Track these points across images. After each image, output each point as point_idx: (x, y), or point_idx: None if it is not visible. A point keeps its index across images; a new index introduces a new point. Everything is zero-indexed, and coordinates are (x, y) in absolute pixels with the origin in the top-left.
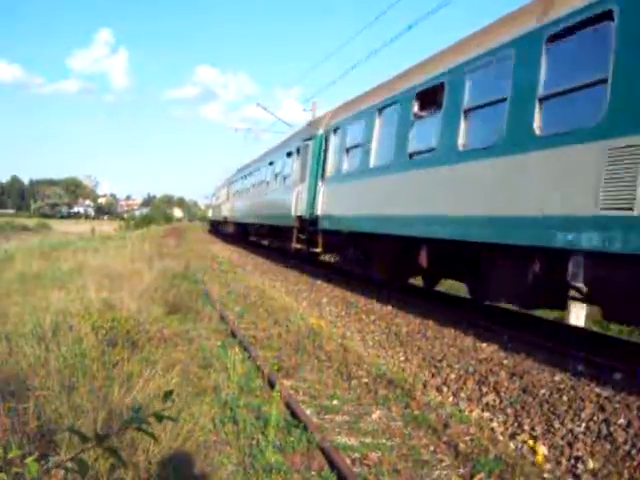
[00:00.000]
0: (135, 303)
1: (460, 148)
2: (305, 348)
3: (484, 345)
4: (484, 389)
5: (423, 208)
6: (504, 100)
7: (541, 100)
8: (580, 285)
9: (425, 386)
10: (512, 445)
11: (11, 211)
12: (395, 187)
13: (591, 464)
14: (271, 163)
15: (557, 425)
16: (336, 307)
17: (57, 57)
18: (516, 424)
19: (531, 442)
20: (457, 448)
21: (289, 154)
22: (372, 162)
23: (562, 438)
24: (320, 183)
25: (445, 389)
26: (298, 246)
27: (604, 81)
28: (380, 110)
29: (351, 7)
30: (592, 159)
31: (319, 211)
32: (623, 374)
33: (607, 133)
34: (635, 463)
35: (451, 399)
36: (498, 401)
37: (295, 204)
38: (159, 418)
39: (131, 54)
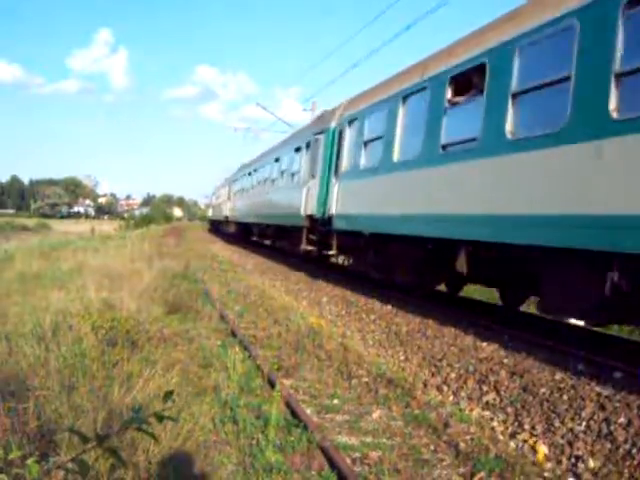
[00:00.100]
0: (135, 303)
1: (509, 136)
2: (305, 347)
3: (484, 344)
4: (484, 388)
5: (463, 206)
6: (567, 79)
7: (619, 77)
8: None
9: (425, 385)
10: (512, 444)
11: (11, 211)
12: (425, 183)
13: (591, 463)
14: (277, 159)
15: (557, 424)
16: (336, 306)
17: (57, 57)
18: (516, 423)
19: (531, 441)
20: (457, 447)
21: (297, 149)
22: (396, 156)
23: (562, 437)
24: (334, 180)
25: (445, 388)
26: (308, 248)
27: None
28: (405, 98)
29: (351, 7)
30: None
31: (333, 210)
32: (623, 373)
33: None
34: (635, 462)
35: (451, 398)
36: (498, 400)
37: (305, 203)
38: (159, 418)
39: (131, 54)
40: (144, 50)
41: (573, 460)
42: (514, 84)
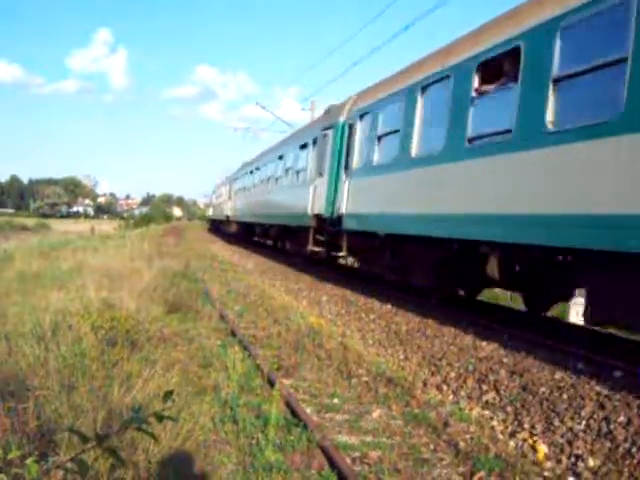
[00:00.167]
0: (135, 302)
1: (549, 127)
2: (305, 347)
3: (484, 343)
4: (484, 387)
5: (496, 205)
6: (622, 61)
7: None
8: None
9: (425, 384)
10: (512, 443)
11: (10, 211)
12: (448, 180)
13: (591, 462)
14: (281, 157)
15: (557, 423)
16: (336, 306)
17: (56, 57)
18: (516, 422)
19: (531, 440)
20: (457, 446)
21: (303, 146)
22: (414, 151)
23: (562, 436)
24: (344, 177)
25: (445, 387)
26: (315, 249)
27: None
28: (424, 88)
29: (350, 6)
30: None
31: (343, 209)
32: (623, 372)
33: None
34: (635, 461)
35: (451, 397)
36: (498, 399)
37: (312, 201)
38: (159, 418)
39: (130, 54)
40: (144, 50)
41: (573, 459)
42: (556, 69)
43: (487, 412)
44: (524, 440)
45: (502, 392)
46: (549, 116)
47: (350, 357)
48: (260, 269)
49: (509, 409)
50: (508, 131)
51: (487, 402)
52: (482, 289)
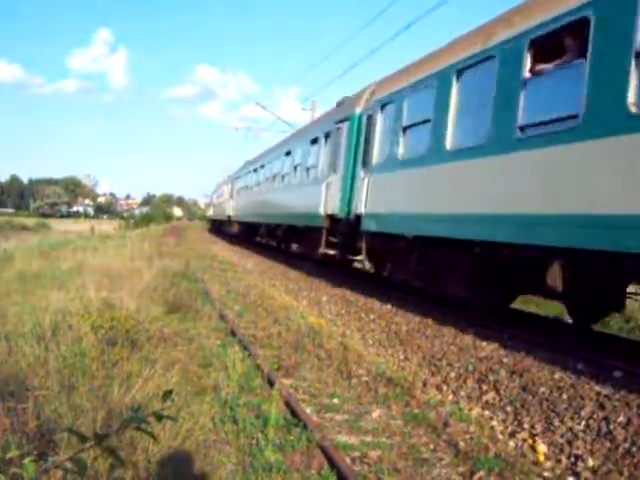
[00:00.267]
0: (135, 302)
1: (632, 110)
2: (305, 347)
3: (484, 343)
4: (484, 387)
5: (557, 204)
6: None
7: None
8: None
9: (425, 384)
10: (512, 443)
11: (10, 210)
12: (495, 175)
13: (591, 462)
14: (288, 153)
15: (557, 423)
16: (336, 306)
17: (57, 57)
18: (516, 422)
19: (531, 440)
20: (457, 446)
21: (314, 141)
22: (449, 142)
23: (562, 436)
24: (362, 173)
25: (445, 387)
26: (329, 252)
27: None
28: (460, 72)
29: (350, 6)
30: None
31: (361, 209)
32: (623, 372)
33: None
34: (635, 461)
35: (451, 397)
36: (498, 399)
37: (324, 200)
38: (158, 418)
39: (130, 53)
40: (144, 50)
41: (572, 459)
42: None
43: (487, 412)
44: (524, 440)
45: (502, 392)
46: (631, 97)
47: (350, 357)
48: (260, 269)
49: (509, 409)
50: (574, 116)
51: (487, 402)
52: (516, 296)
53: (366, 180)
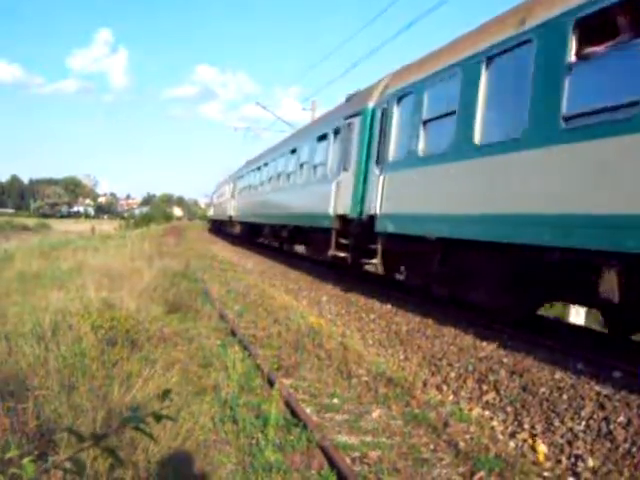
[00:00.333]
0: (135, 302)
1: None
2: (305, 347)
3: (484, 344)
4: (484, 387)
5: (622, 204)
6: None
7: None
8: None
9: (425, 385)
10: (512, 443)
11: (11, 210)
12: (537, 171)
13: (591, 462)
14: (294, 151)
15: (557, 423)
16: (336, 306)
17: (57, 57)
18: (516, 422)
19: (531, 440)
20: (457, 446)
21: (322, 137)
22: (478, 136)
23: (562, 436)
24: (376, 171)
25: (445, 388)
26: (339, 254)
27: None
28: (490, 59)
29: (350, 6)
30: None
31: (376, 209)
32: (623, 372)
33: None
34: (635, 461)
35: (451, 397)
36: (498, 399)
37: (334, 200)
38: (157, 418)
39: (130, 53)
40: (144, 50)
41: (573, 459)
42: None
43: (487, 412)
44: (524, 440)
45: (502, 392)
46: None
47: (350, 357)
48: (260, 269)
49: (509, 409)
50: (634, 103)
51: (487, 402)
52: (542, 303)
53: (381, 178)
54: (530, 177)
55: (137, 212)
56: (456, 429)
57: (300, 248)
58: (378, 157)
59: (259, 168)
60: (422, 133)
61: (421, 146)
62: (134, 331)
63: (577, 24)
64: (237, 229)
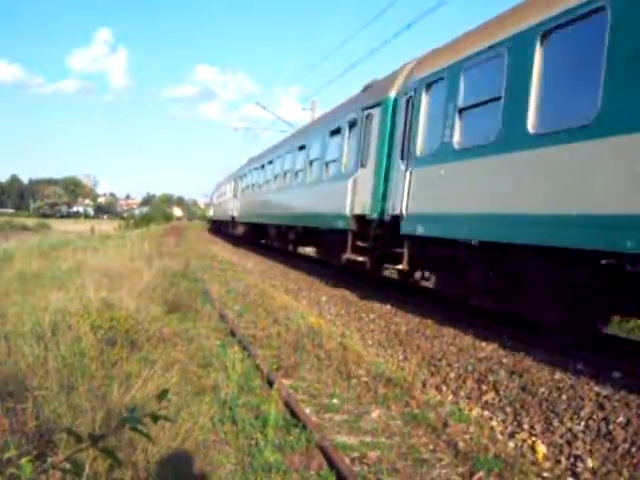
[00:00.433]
0: (134, 302)
1: None
2: (304, 347)
3: (483, 344)
4: (483, 388)
5: None
6: None
7: None
8: None
9: (424, 385)
10: (511, 444)
11: (10, 210)
12: (624, 162)
13: (590, 463)
14: (302, 147)
15: (556, 424)
16: (335, 306)
17: (57, 57)
18: (515, 423)
19: (530, 441)
20: (456, 447)
21: (335, 132)
22: (531, 123)
23: (561, 437)
24: (401, 166)
25: (444, 388)
26: (356, 258)
27: None
28: (547, 34)
29: (350, 6)
30: None
31: (401, 208)
32: (622, 373)
33: None
34: (634, 461)
35: (450, 398)
36: (497, 400)
37: (350, 199)
38: (154, 418)
39: (130, 53)
40: (144, 50)
41: (572, 460)
42: None
43: (486, 412)
44: (523, 440)
45: (501, 392)
46: None
47: (349, 357)
48: (260, 269)
49: (508, 409)
50: None
51: (486, 402)
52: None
53: (407, 174)
54: (611, 170)
55: (137, 212)
56: (455, 429)
57: (304, 249)
58: (403, 151)
59: (263, 166)
60: (458, 123)
61: (457, 138)
62: (133, 331)
63: None
64: (240, 230)
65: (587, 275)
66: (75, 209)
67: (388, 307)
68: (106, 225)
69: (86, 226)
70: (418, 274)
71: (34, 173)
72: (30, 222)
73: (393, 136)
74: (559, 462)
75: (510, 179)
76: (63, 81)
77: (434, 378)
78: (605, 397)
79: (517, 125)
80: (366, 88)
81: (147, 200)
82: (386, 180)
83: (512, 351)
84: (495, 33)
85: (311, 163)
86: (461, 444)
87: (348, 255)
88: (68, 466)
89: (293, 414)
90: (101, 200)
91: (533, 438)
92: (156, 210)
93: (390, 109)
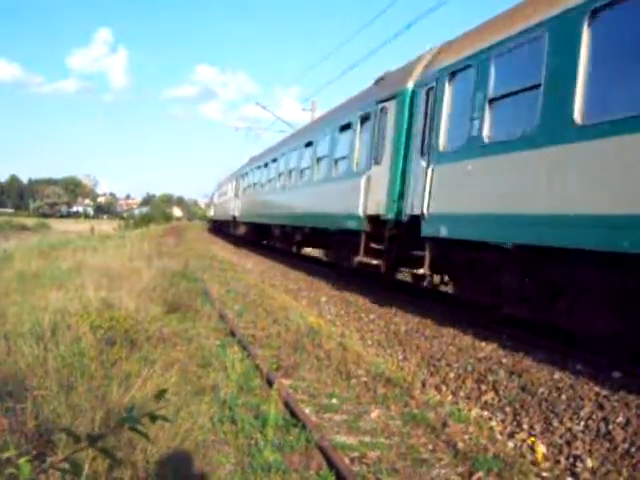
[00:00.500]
0: (134, 302)
1: None
2: (304, 347)
3: (483, 344)
4: (483, 388)
5: None
6: None
7: None
8: None
9: (424, 385)
10: (511, 444)
11: (10, 210)
12: None
13: (590, 463)
14: (309, 144)
15: (556, 424)
16: (335, 306)
17: (56, 56)
18: (515, 423)
19: (530, 441)
20: (456, 447)
21: (345, 127)
22: (578, 113)
23: (561, 437)
24: (422, 163)
25: (444, 388)
26: (370, 261)
27: None
28: (597, 11)
29: (350, 6)
30: None
31: (423, 208)
32: (622, 373)
33: None
34: (634, 461)
35: (450, 398)
36: (497, 400)
37: (363, 198)
38: (152, 418)
39: (130, 53)
40: (144, 50)
41: (571, 460)
42: None
43: (486, 412)
44: (523, 440)
45: (501, 392)
46: None
47: (349, 357)
48: (259, 269)
49: (508, 409)
50: None
51: (486, 402)
52: None
53: (429, 171)
54: None
55: (137, 212)
56: (455, 429)
57: (307, 250)
58: (423, 147)
59: (267, 164)
60: (488, 114)
61: (487, 131)
62: (133, 331)
63: None
64: (241, 230)
65: None
66: (75, 209)
67: (388, 307)
68: (106, 225)
69: (86, 226)
70: (437, 278)
71: (34, 173)
72: (30, 222)
73: (411, 131)
74: (558, 462)
75: (553, 175)
76: (63, 81)
77: (433, 378)
78: (605, 397)
79: (560, 115)
80: (379, 80)
81: (147, 200)
82: (403, 178)
83: (512, 351)
84: (533, 14)
85: (318, 160)
86: (460, 444)
87: (360, 258)
88: (67, 466)
89: (293, 414)
90: (101, 200)
91: (532, 438)
92: (156, 210)
93: (407, 101)
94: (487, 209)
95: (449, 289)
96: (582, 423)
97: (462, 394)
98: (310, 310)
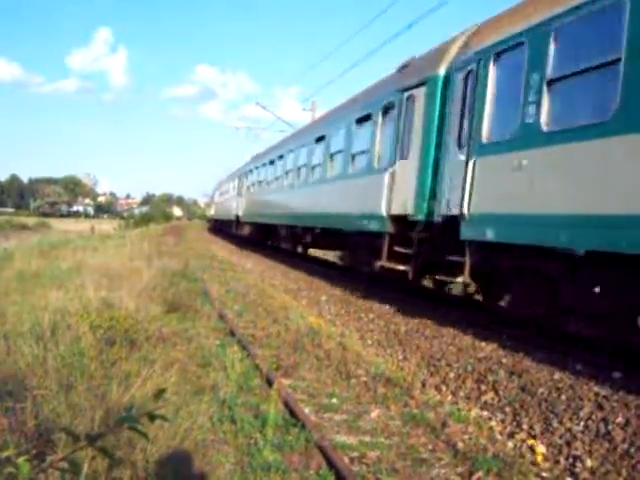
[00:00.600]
0: (134, 302)
1: None
2: (304, 347)
3: (483, 344)
4: (483, 388)
5: None
6: None
7: None
8: None
9: (424, 385)
10: (511, 444)
11: (10, 210)
12: None
13: (589, 463)
14: (320, 139)
15: (556, 424)
16: (335, 306)
17: (56, 56)
18: (515, 423)
19: (530, 441)
20: (456, 447)
21: (364, 119)
22: None
23: (561, 437)
24: (459, 156)
25: (444, 388)
26: (395, 266)
27: None
28: None
29: (350, 6)
30: None
31: (462, 207)
32: (622, 373)
33: None
34: (633, 462)
35: (450, 398)
36: (497, 400)
37: (387, 196)
38: (151, 418)
39: (130, 53)
40: (144, 49)
41: (571, 460)
42: None
43: (486, 412)
44: (522, 441)
45: (501, 393)
46: None
47: (349, 357)
48: (259, 269)
49: (508, 410)
50: None
51: (486, 402)
52: None
53: (470, 165)
54: None
55: (137, 212)
56: (455, 429)
57: (310, 251)
58: (460, 138)
59: (272, 162)
60: (547, 98)
61: (545, 117)
62: (133, 331)
63: None
64: (245, 230)
65: None
66: (75, 208)
67: (387, 307)
68: (106, 224)
69: (86, 225)
70: (473, 286)
71: (34, 172)
72: (30, 221)
73: (444, 120)
74: (558, 462)
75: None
76: (63, 81)
77: (433, 378)
78: (604, 397)
79: None
80: (403, 67)
81: (147, 200)
82: (435, 173)
83: (511, 351)
84: None
85: (332, 156)
86: (460, 444)
87: (383, 262)
88: (66, 465)
89: (292, 414)
90: (101, 199)
91: (532, 438)
92: (156, 210)
93: (440, 88)
94: (549, 209)
95: (480, 297)
96: (582, 423)
97: (462, 394)
98: (310, 310)
